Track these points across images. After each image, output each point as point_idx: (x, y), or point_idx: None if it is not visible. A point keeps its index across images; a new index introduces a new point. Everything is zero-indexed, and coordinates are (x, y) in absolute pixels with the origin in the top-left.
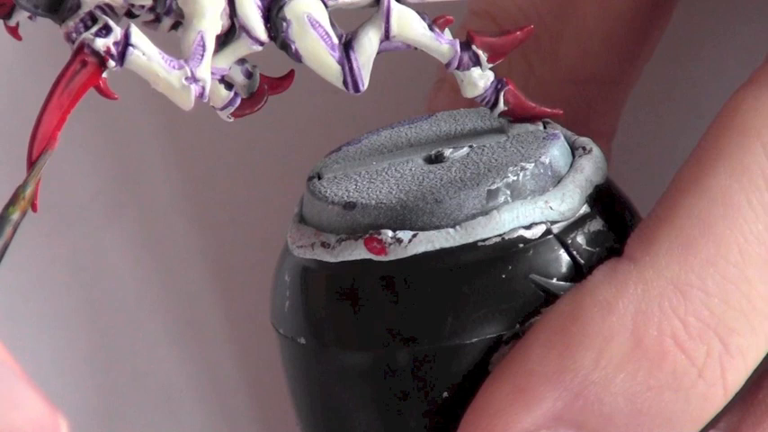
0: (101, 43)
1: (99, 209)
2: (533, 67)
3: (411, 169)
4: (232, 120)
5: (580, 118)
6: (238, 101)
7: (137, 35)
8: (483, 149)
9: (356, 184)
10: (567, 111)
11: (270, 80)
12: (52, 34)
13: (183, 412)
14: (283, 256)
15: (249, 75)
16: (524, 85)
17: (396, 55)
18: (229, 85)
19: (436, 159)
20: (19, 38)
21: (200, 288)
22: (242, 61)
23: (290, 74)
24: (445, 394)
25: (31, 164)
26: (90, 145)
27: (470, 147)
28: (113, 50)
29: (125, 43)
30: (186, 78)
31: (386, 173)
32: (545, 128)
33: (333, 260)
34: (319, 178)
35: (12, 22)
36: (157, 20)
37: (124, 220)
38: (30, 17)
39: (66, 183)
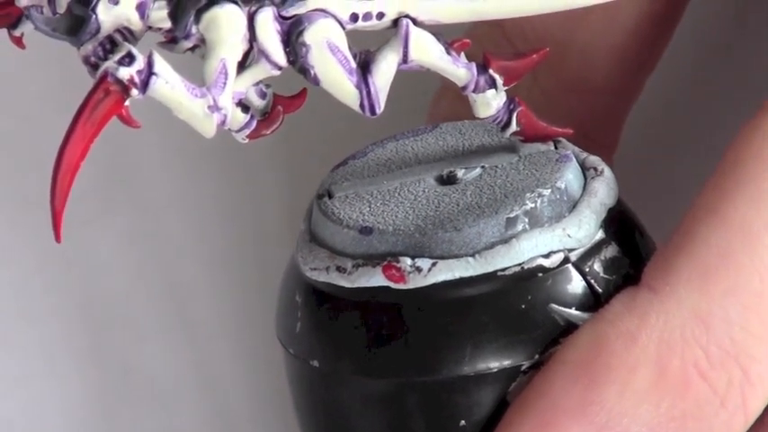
0: (125, 72)
1: (91, 204)
2: (538, 77)
3: (424, 190)
4: (247, 141)
5: (583, 129)
6: (254, 123)
7: (160, 63)
8: (496, 171)
9: (370, 206)
10: (571, 122)
11: (283, 100)
12: (58, 44)
13: (176, 408)
14: (293, 273)
15: (263, 95)
16: (528, 94)
17: None
18: (246, 108)
19: (448, 180)
20: (23, 47)
21: (193, 284)
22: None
23: (303, 93)
24: (462, 423)
25: (54, 194)
26: None
27: (482, 167)
28: (137, 79)
29: (148, 72)
30: (209, 107)
31: (399, 194)
32: (556, 147)
33: (349, 285)
34: (329, 197)
35: (17, 32)
36: (174, 41)
37: (117, 216)
38: (35, 28)
39: None
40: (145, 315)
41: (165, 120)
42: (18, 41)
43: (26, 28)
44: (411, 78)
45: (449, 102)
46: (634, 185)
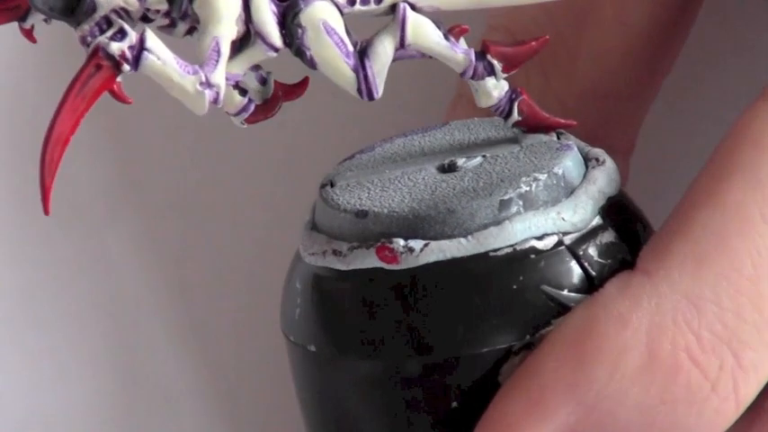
0: (116, 47)
1: (101, 209)
2: (550, 82)
3: (424, 178)
4: (245, 126)
5: (598, 134)
6: (252, 107)
7: (152, 39)
8: (496, 159)
9: (369, 192)
10: (585, 126)
11: (284, 87)
12: (65, 37)
13: (185, 413)
14: (295, 262)
15: (263, 81)
16: (541, 100)
17: (412, 65)
18: (243, 91)
19: (449, 169)
20: (33, 40)
21: (203, 289)
22: (256, 67)
23: (305, 81)
24: (455, 404)
25: (44, 167)
26: (92, 144)
27: (484, 156)
28: (128, 54)
29: (140, 47)
30: (200, 84)
31: (398, 181)
32: (558, 138)
33: (344, 268)
34: (332, 186)
35: (27, 25)
36: (172, 25)
37: (127, 221)
38: (45, 20)
39: (68, 182)
40: (153, 320)
41: (174, 125)
42: (28, 35)
43: (35, 20)
44: (426, 89)
45: (463, 111)
46: (648, 185)
